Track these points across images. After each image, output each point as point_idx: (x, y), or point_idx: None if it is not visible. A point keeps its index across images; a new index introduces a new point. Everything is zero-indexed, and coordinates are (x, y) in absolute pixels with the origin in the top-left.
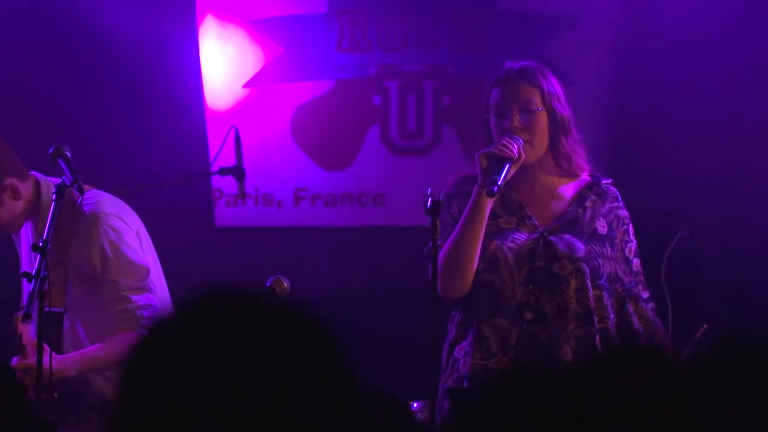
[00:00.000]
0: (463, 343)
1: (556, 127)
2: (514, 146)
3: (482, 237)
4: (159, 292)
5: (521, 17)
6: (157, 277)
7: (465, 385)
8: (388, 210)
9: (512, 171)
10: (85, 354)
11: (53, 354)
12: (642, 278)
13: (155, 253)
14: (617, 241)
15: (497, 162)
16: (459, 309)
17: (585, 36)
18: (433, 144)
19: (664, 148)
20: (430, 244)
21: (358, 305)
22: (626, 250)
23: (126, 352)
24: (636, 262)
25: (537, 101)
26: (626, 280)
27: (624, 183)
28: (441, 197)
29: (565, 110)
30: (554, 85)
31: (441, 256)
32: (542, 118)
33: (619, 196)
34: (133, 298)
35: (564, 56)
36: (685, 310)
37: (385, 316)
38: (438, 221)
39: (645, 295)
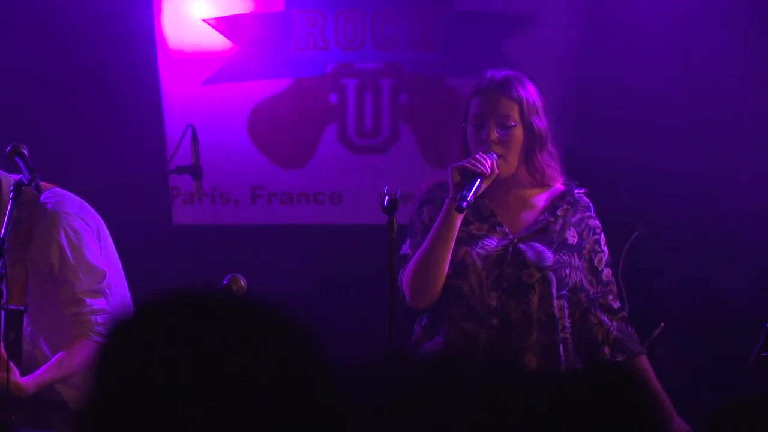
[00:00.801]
0: (428, 343)
1: (532, 142)
2: (487, 162)
3: (452, 250)
4: (115, 295)
5: (480, 16)
6: (115, 279)
7: None
8: (345, 208)
9: (484, 186)
10: (44, 376)
11: (13, 376)
12: (613, 288)
13: (116, 253)
14: (585, 252)
15: (469, 176)
16: (426, 313)
17: (544, 35)
18: (389, 142)
19: (622, 146)
20: (399, 253)
21: (315, 303)
22: (595, 260)
23: (85, 363)
24: (607, 272)
25: (515, 116)
26: (592, 290)
27: (581, 182)
28: (398, 196)
29: (542, 123)
30: (533, 98)
31: (410, 267)
32: (518, 133)
33: (591, 206)
34: (88, 301)
35: (523, 55)
36: (642, 309)
37: (343, 315)
38: (394, 220)
39: (615, 305)
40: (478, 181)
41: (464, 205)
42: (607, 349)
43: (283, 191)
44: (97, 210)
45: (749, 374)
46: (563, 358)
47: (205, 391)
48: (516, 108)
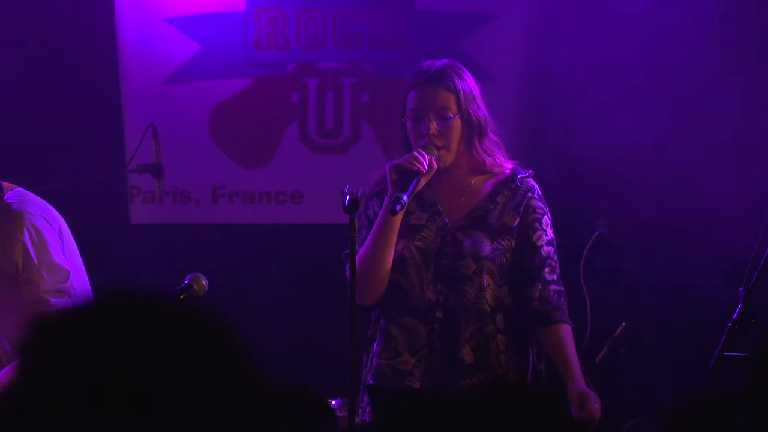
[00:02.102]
0: (375, 342)
1: (471, 131)
2: (425, 159)
3: (393, 249)
4: (79, 295)
5: (440, 15)
6: (78, 279)
7: (369, 380)
8: (306, 208)
9: (423, 182)
10: (8, 377)
11: None
12: (552, 263)
13: (78, 253)
14: (523, 229)
15: (407, 175)
16: (375, 309)
17: (504, 33)
18: (351, 141)
19: (582, 144)
20: (346, 251)
21: (276, 303)
22: (534, 237)
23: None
24: (547, 250)
25: (453, 107)
26: (526, 265)
27: (541, 179)
28: (360, 195)
29: (480, 112)
30: (470, 87)
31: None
32: (457, 124)
33: (536, 188)
34: (52, 301)
35: (483, 53)
36: (603, 309)
37: (304, 314)
38: (356, 219)
39: (550, 277)
40: (416, 179)
41: (398, 208)
42: (536, 316)
43: (245, 190)
44: (57, 210)
45: (710, 373)
46: (501, 348)
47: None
48: (453, 99)
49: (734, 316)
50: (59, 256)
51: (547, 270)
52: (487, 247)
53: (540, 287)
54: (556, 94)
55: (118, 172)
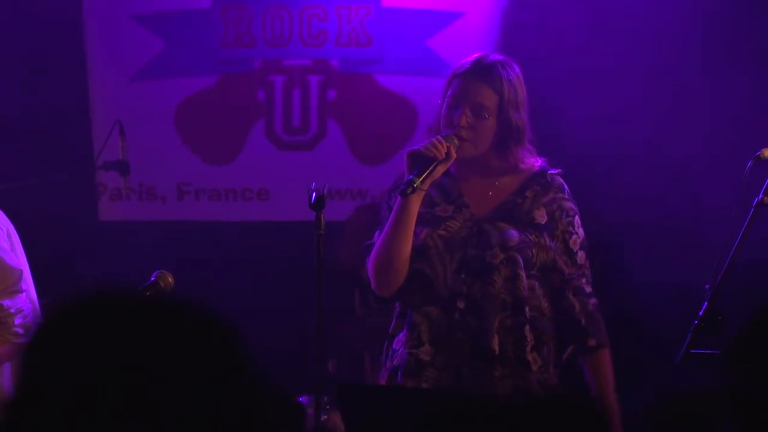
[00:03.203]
0: (400, 334)
1: (507, 136)
2: (443, 146)
3: (411, 236)
4: (30, 294)
5: (406, 12)
6: (27, 278)
7: (399, 376)
8: (272, 205)
9: (440, 170)
10: None
11: None
12: (586, 272)
13: (24, 254)
14: (558, 232)
15: (424, 161)
16: (397, 301)
17: (470, 30)
18: (317, 139)
19: (546, 141)
20: (367, 242)
21: (242, 300)
22: (570, 242)
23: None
24: (581, 255)
25: (491, 107)
26: (567, 271)
27: (558, 169)
28: (326, 192)
29: (521, 116)
30: (517, 91)
31: (372, 255)
32: (491, 125)
33: (566, 187)
34: (5, 303)
35: (450, 50)
36: None
37: (271, 311)
38: (321, 217)
39: (588, 289)
40: (433, 165)
41: (408, 191)
42: (577, 333)
43: (211, 188)
44: (23, 207)
45: (677, 372)
46: (528, 340)
47: (126, 392)
48: (495, 99)
49: (701, 314)
50: (9, 256)
51: (584, 281)
52: (515, 237)
53: (581, 300)
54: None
55: (85, 169)
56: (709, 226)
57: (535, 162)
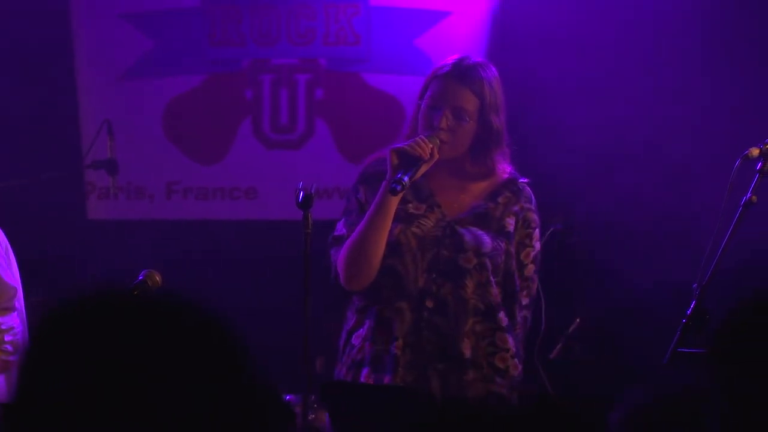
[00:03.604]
0: (361, 330)
1: (486, 138)
2: (427, 146)
3: (387, 232)
4: (22, 313)
5: (394, 11)
6: (20, 297)
7: (364, 371)
8: (260, 203)
9: (423, 169)
10: None
11: None
12: (530, 285)
13: (18, 272)
14: (516, 242)
15: (408, 160)
16: (359, 295)
17: (458, 29)
18: (305, 137)
19: (536, 141)
20: (334, 233)
21: (230, 298)
22: (522, 254)
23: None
24: (531, 269)
25: (472, 111)
26: (512, 279)
27: (526, 178)
28: (313, 191)
29: (500, 120)
30: (496, 93)
31: (345, 248)
32: (470, 128)
33: (533, 199)
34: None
35: (437, 49)
36: (557, 305)
37: (259, 309)
38: (309, 215)
39: (524, 301)
40: (417, 165)
41: (398, 188)
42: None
43: (199, 186)
44: (11, 206)
45: (664, 370)
46: (500, 345)
47: (126, 391)
48: (476, 103)
49: (688, 313)
50: (6, 273)
51: (525, 293)
52: (488, 244)
53: (518, 312)
54: (512, 90)
55: (74, 168)
56: (709, 226)
57: (506, 168)
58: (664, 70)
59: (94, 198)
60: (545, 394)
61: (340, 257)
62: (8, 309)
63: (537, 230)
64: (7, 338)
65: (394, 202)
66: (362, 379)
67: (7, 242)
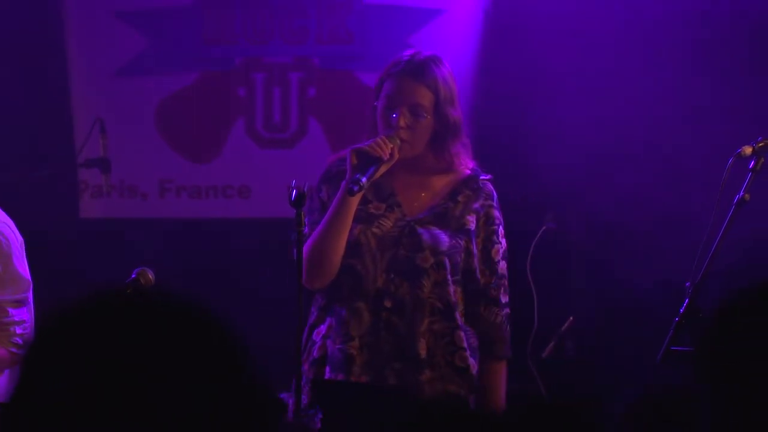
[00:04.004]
0: (321, 326)
1: (443, 132)
2: (387, 146)
3: (347, 232)
4: (31, 305)
5: (388, 9)
6: (32, 288)
7: (327, 369)
8: (253, 202)
9: (383, 169)
10: None
11: None
12: (505, 282)
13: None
14: (480, 240)
15: (367, 160)
16: (322, 293)
17: (451, 28)
18: (298, 136)
19: (530, 139)
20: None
21: (223, 297)
22: (492, 251)
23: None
24: (502, 265)
25: (428, 106)
26: (483, 281)
27: (490, 173)
28: (306, 189)
29: (456, 113)
30: (450, 87)
31: (306, 248)
32: (428, 123)
33: (495, 195)
34: (11, 311)
35: (429, 48)
36: (550, 303)
37: (251, 308)
38: (302, 214)
39: (503, 299)
40: (376, 165)
41: (355, 189)
42: (482, 344)
43: (192, 185)
44: (4, 205)
45: (657, 369)
46: (458, 345)
47: (124, 390)
48: (431, 98)
49: (681, 311)
50: (22, 266)
51: (502, 291)
52: (446, 243)
53: (496, 311)
54: (505, 89)
55: (66, 167)
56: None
57: (468, 164)
58: (664, 69)
59: (87, 196)
60: (538, 396)
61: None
62: (22, 302)
63: (501, 227)
64: (18, 330)
65: (354, 202)
66: (327, 377)
67: (21, 237)
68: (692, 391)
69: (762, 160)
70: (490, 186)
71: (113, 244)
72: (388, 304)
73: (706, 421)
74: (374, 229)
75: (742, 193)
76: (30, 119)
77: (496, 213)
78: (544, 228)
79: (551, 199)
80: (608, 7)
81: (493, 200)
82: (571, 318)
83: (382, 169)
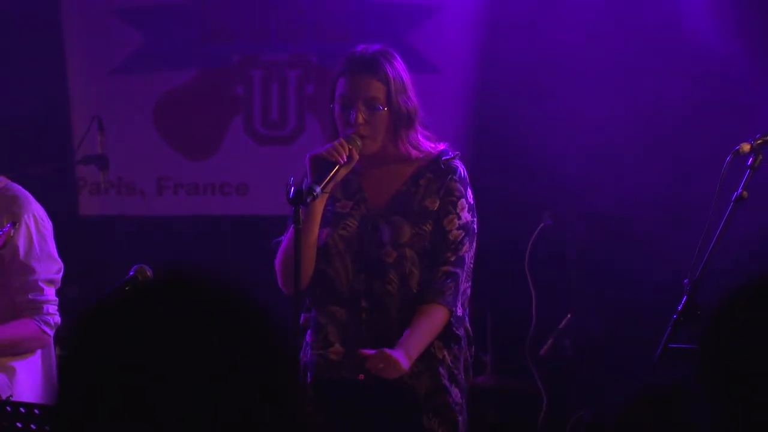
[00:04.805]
0: (308, 330)
1: (399, 122)
2: (344, 150)
3: (315, 239)
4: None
5: (385, 6)
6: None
7: (308, 375)
8: (251, 199)
9: (342, 173)
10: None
11: None
12: (458, 247)
13: None
14: (440, 212)
15: (325, 165)
16: (306, 296)
17: (448, 24)
18: (296, 133)
19: (527, 136)
20: (277, 238)
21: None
22: (445, 221)
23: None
24: (456, 234)
25: (382, 98)
26: (435, 251)
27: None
28: (303, 186)
29: (410, 102)
30: (402, 77)
31: (278, 257)
32: (384, 116)
33: (459, 168)
34: (46, 289)
35: (428, 44)
36: (549, 300)
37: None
38: (300, 211)
39: (452, 258)
40: (335, 170)
41: (308, 200)
42: (425, 292)
43: (190, 182)
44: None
45: (655, 366)
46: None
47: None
48: (383, 89)
49: (679, 308)
50: (54, 248)
51: (449, 254)
52: (406, 233)
53: (437, 269)
54: (502, 85)
55: (65, 164)
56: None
57: (436, 147)
58: (663, 67)
59: (85, 193)
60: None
61: (275, 264)
62: (54, 282)
63: (462, 200)
64: (50, 309)
65: (315, 209)
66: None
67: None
68: (690, 388)
69: (760, 157)
70: (455, 162)
71: (111, 241)
72: (364, 303)
73: (705, 419)
74: (341, 231)
75: (740, 191)
76: (28, 116)
77: (458, 186)
78: (541, 225)
79: (549, 196)
80: (608, 6)
81: (455, 174)
82: (569, 315)
83: (342, 172)
